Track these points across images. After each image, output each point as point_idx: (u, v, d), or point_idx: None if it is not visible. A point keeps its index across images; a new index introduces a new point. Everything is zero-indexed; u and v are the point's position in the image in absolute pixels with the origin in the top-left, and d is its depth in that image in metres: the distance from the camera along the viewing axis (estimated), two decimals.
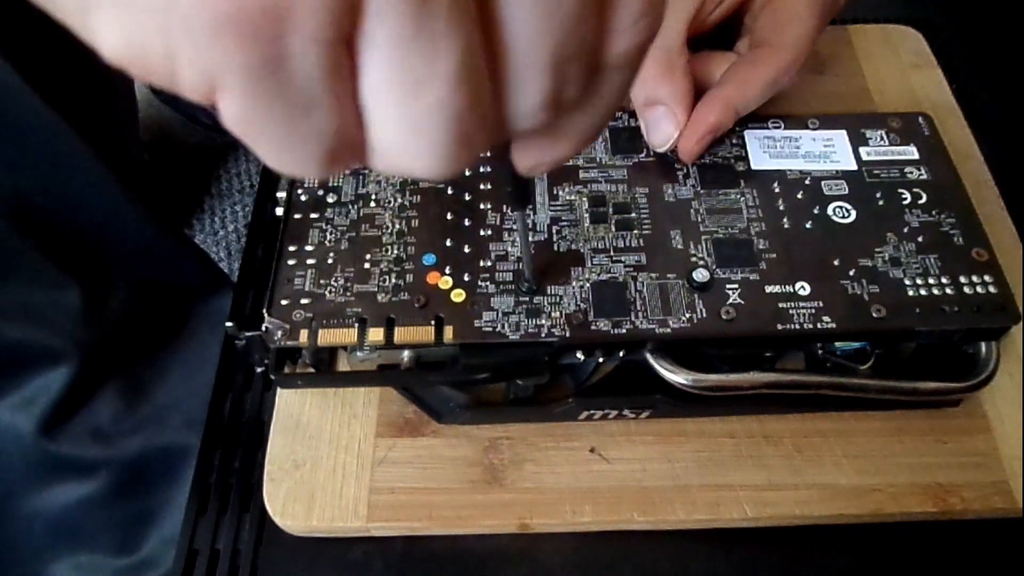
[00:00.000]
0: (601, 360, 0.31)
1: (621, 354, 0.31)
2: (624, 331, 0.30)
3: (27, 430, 0.45)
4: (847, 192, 0.34)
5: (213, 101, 0.14)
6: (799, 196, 0.34)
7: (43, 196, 0.41)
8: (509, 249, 0.32)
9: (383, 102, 0.15)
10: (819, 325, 0.30)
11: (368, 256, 0.32)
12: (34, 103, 0.38)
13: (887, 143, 0.35)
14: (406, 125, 0.15)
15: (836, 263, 0.31)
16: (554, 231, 0.33)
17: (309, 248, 0.32)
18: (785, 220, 0.33)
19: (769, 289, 0.31)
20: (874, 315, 0.30)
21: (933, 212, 0.33)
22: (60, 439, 0.46)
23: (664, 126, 0.33)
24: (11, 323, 0.43)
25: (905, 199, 0.33)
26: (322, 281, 0.31)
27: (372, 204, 0.33)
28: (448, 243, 0.32)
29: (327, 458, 0.32)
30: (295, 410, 0.34)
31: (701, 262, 0.31)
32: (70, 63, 0.41)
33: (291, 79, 0.14)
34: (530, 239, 0.32)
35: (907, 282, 0.31)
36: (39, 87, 0.38)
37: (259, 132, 0.15)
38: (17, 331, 0.43)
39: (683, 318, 0.30)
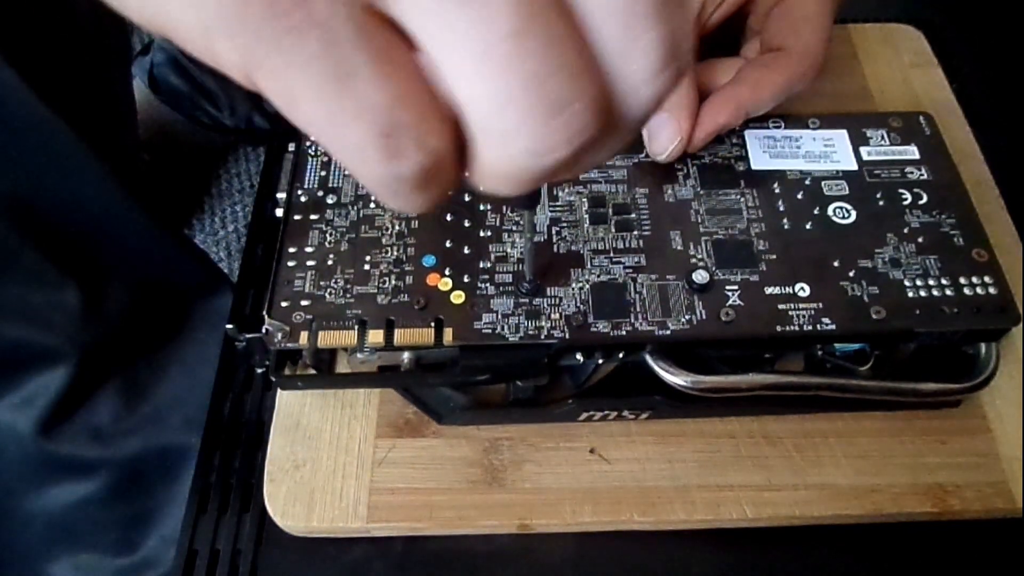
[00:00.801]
0: (601, 361, 0.31)
1: (621, 355, 0.31)
2: (623, 333, 0.30)
3: (26, 430, 0.45)
4: (847, 192, 0.34)
5: (255, 82, 0.14)
6: (799, 197, 0.34)
7: (41, 195, 0.41)
8: (509, 251, 0.32)
9: (453, 68, 0.14)
10: (819, 327, 0.30)
11: (368, 257, 0.32)
12: (32, 102, 0.38)
13: (888, 143, 0.35)
14: (486, 89, 0.14)
15: (836, 264, 0.31)
16: (554, 232, 0.33)
17: (309, 249, 0.32)
18: (785, 221, 0.33)
19: (769, 290, 0.31)
20: (874, 316, 0.30)
21: (933, 212, 0.33)
22: (59, 439, 0.46)
23: (665, 133, 0.33)
24: (9, 323, 0.43)
25: (905, 199, 0.33)
26: (322, 283, 0.31)
27: (372, 205, 0.33)
28: (448, 244, 0.32)
29: (327, 458, 0.32)
30: (295, 411, 0.34)
31: (701, 263, 0.31)
32: (67, 63, 0.41)
33: (322, 45, 0.13)
34: (534, 240, 0.32)
35: (907, 283, 0.31)
36: (37, 86, 0.38)
37: (303, 108, 0.14)
38: (15, 331, 0.43)
39: (683, 320, 0.30)
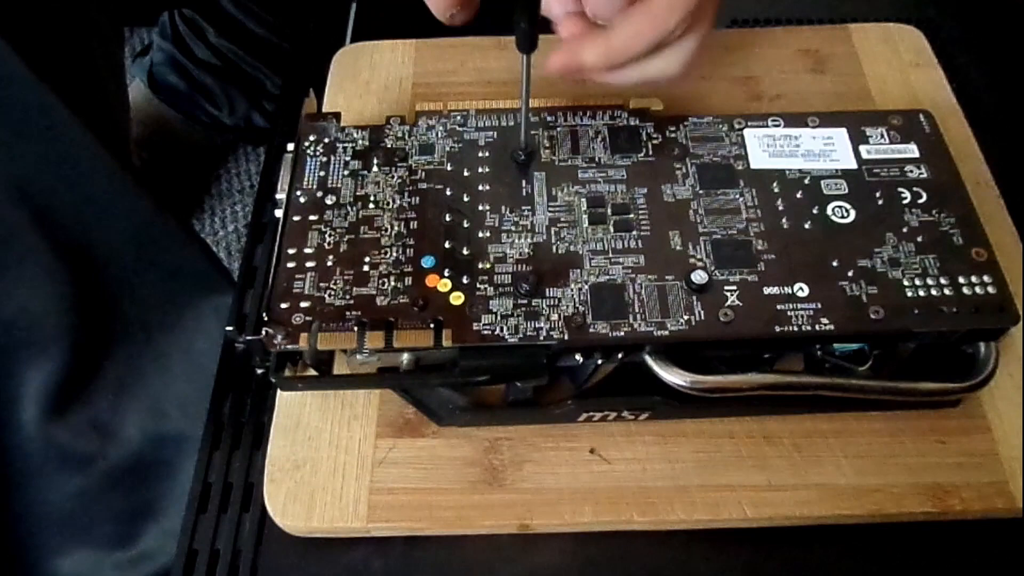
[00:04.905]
0: (600, 362, 0.31)
1: (620, 356, 0.31)
2: (622, 333, 0.30)
3: (26, 419, 0.45)
4: (846, 191, 0.34)
5: None
6: (798, 196, 0.34)
7: (37, 174, 0.40)
8: (508, 252, 0.32)
9: None
10: (817, 327, 0.30)
11: (367, 259, 0.32)
12: (33, 84, 0.38)
13: (887, 141, 0.35)
14: None
15: (835, 264, 0.31)
16: (553, 232, 0.33)
17: (308, 251, 0.32)
18: (784, 220, 0.33)
19: (767, 291, 0.31)
20: (872, 317, 0.30)
21: (933, 211, 0.33)
22: (57, 430, 0.45)
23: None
24: (4, 308, 0.42)
25: (905, 198, 0.33)
26: (321, 284, 0.31)
27: (371, 206, 0.33)
28: (447, 245, 0.32)
29: (327, 459, 0.32)
30: (295, 410, 0.34)
31: (700, 263, 0.31)
32: (52, 38, 0.41)
33: None
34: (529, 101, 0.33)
35: (906, 283, 0.31)
36: (37, 69, 0.37)
37: None
38: (11, 316, 0.43)
39: (681, 320, 0.30)
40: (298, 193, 0.34)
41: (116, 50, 0.52)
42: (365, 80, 0.43)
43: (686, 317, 0.30)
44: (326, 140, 0.36)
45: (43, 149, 0.40)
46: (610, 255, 0.32)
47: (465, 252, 0.32)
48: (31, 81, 0.38)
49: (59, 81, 0.39)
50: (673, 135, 0.36)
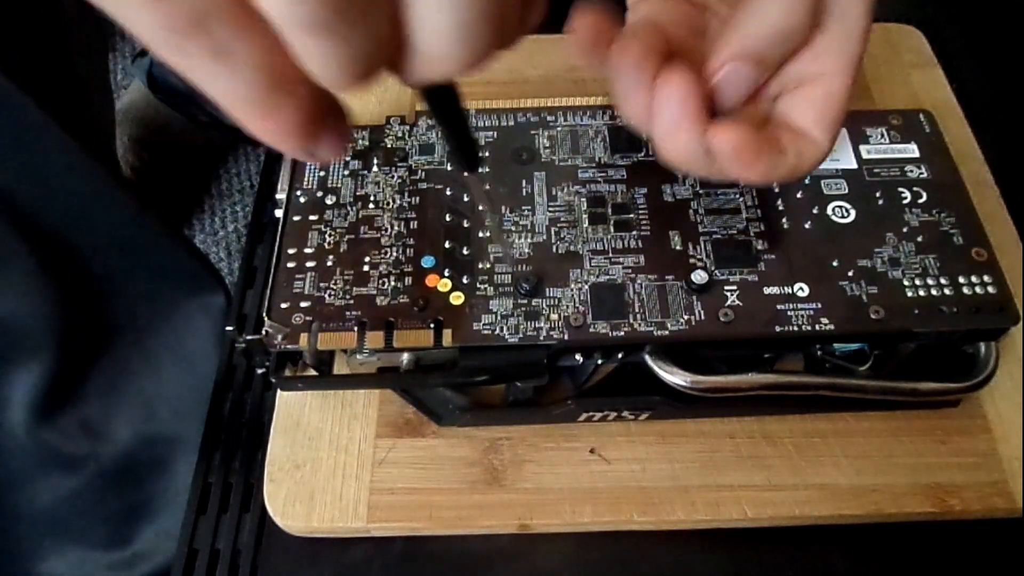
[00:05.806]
0: (600, 362, 0.31)
1: (620, 356, 0.31)
2: (622, 333, 0.30)
3: (15, 422, 0.45)
4: (847, 191, 0.34)
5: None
6: (798, 196, 0.34)
7: (17, 179, 0.40)
8: (508, 251, 0.32)
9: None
10: (817, 327, 0.30)
11: (367, 259, 0.32)
12: (7, 89, 0.38)
13: (888, 141, 0.35)
14: (451, 27, 0.16)
15: (835, 264, 0.31)
16: (553, 232, 0.33)
17: (308, 251, 0.32)
18: (784, 220, 0.33)
19: (768, 291, 0.31)
20: (872, 317, 0.30)
21: (933, 211, 0.33)
22: (48, 432, 0.45)
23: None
24: None
25: (905, 198, 0.33)
26: (321, 284, 0.31)
27: (371, 206, 0.33)
28: (447, 245, 0.32)
29: (327, 459, 0.32)
30: (295, 411, 0.34)
31: (700, 263, 0.31)
32: (30, 43, 0.41)
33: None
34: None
35: (906, 283, 0.31)
36: (12, 73, 0.37)
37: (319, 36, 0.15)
38: (1, 318, 0.43)
39: (681, 320, 0.30)
40: (298, 193, 0.34)
41: (100, 52, 0.52)
42: None
43: (686, 317, 0.30)
44: None
45: (23, 154, 0.40)
46: (610, 255, 0.32)
47: (465, 252, 0.32)
48: (4, 85, 0.37)
49: (36, 85, 0.39)
50: None
